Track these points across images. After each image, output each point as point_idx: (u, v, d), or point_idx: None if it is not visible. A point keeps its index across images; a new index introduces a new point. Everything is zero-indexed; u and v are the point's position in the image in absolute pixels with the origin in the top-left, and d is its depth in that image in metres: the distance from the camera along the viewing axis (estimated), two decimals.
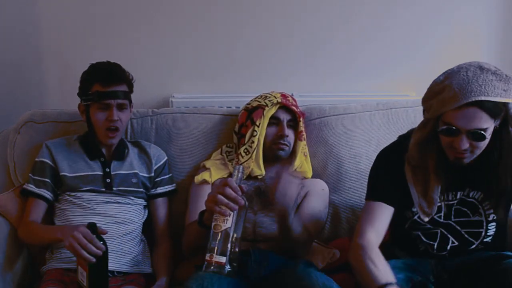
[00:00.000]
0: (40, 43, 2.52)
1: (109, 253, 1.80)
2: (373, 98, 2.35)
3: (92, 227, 1.62)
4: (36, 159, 1.94)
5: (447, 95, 1.43)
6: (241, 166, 1.55)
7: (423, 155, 1.57)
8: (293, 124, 1.99)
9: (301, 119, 1.98)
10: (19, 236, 1.89)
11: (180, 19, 2.48)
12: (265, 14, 2.49)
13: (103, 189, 1.90)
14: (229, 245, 1.47)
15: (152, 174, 2.00)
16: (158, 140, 2.11)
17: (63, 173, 1.90)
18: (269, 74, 2.53)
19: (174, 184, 2.05)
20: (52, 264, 1.83)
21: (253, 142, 1.95)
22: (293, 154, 2.00)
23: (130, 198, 1.93)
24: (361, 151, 2.07)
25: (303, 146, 2.01)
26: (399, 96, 2.43)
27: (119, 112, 1.88)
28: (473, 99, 1.40)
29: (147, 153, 2.01)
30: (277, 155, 1.96)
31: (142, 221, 1.98)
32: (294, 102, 2.02)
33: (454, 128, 1.45)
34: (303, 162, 2.02)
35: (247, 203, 1.53)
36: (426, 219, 1.60)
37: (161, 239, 1.97)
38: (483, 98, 1.40)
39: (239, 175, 1.53)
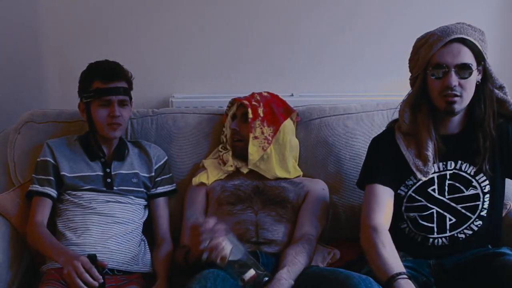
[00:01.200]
0: (40, 43, 2.52)
1: (109, 253, 1.82)
2: (373, 98, 2.36)
3: (92, 258, 1.61)
4: (39, 159, 1.94)
5: (432, 40, 1.61)
6: (193, 212, 1.68)
7: (413, 117, 1.68)
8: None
9: (249, 109, 1.96)
10: (27, 239, 1.89)
11: (180, 19, 2.49)
12: (266, 14, 2.49)
13: (104, 189, 1.90)
14: (245, 260, 1.54)
15: (153, 174, 2.00)
16: (158, 140, 2.11)
17: (62, 173, 1.90)
18: (269, 74, 2.53)
19: (174, 184, 2.06)
20: (52, 264, 1.81)
21: (223, 141, 2.05)
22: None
23: (130, 198, 1.93)
24: (362, 151, 2.07)
25: (260, 140, 1.96)
26: (399, 96, 2.41)
27: (120, 109, 1.88)
28: (456, 36, 1.59)
29: (147, 153, 2.01)
30: (236, 152, 2.00)
31: (142, 221, 1.98)
32: (256, 98, 2.01)
33: (443, 65, 1.58)
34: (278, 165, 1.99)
35: (226, 227, 1.59)
36: (424, 178, 1.65)
37: (162, 239, 1.97)
38: (464, 36, 1.59)
39: (196, 217, 1.66)
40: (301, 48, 2.52)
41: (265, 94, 2.07)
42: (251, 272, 1.52)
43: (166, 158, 2.05)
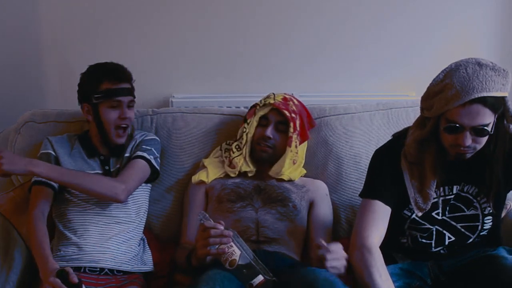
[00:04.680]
0: (40, 43, 2.52)
1: (108, 252, 1.82)
2: (373, 98, 2.36)
3: (61, 275, 1.59)
4: (41, 152, 1.91)
5: (449, 94, 1.45)
6: (202, 212, 1.61)
7: (421, 153, 1.59)
8: (284, 128, 1.95)
9: (291, 123, 1.93)
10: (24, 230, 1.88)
11: (180, 19, 2.49)
12: (266, 14, 2.49)
13: None
14: (254, 264, 1.53)
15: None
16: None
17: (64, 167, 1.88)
18: (269, 74, 2.54)
19: (151, 156, 1.94)
20: None
21: (242, 139, 1.97)
22: (280, 158, 1.95)
23: (131, 194, 1.91)
24: (361, 151, 2.08)
25: (293, 154, 1.95)
26: (399, 96, 2.44)
27: (128, 110, 1.88)
28: (476, 96, 1.42)
29: (134, 138, 1.98)
30: (259, 156, 1.96)
31: (144, 220, 1.98)
32: (293, 108, 1.97)
33: (458, 125, 1.46)
34: (290, 170, 1.97)
35: (235, 231, 1.58)
36: (420, 214, 1.61)
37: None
38: (485, 94, 1.42)
39: (207, 218, 1.59)
40: (301, 48, 2.52)
41: (296, 102, 2.02)
42: (260, 278, 1.51)
43: (152, 138, 2.00)
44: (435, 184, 1.59)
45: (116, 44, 2.50)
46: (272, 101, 1.96)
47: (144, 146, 1.95)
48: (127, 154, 1.94)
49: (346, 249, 1.86)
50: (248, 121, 1.98)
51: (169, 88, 2.55)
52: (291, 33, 2.51)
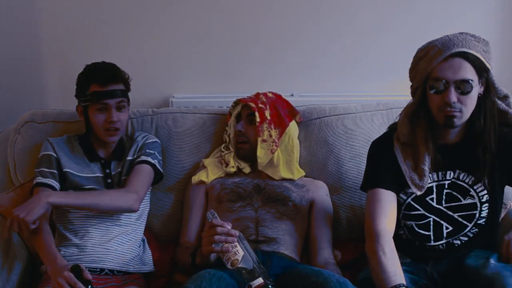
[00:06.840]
0: (40, 43, 2.52)
1: (109, 253, 1.82)
2: (373, 98, 2.36)
3: (75, 270, 1.59)
4: (42, 153, 1.90)
5: (432, 53, 1.56)
6: (211, 210, 1.62)
7: (412, 129, 1.64)
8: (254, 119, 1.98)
9: (256, 113, 1.95)
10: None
11: (180, 19, 2.49)
12: (265, 15, 2.49)
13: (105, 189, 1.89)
14: (255, 267, 1.53)
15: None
16: (158, 139, 2.10)
17: (66, 169, 1.88)
18: (269, 74, 2.54)
19: (155, 160, 1.95)
20: None
21: (225, 141, 2.04)
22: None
23: None
24: (362, 151, 2.07)
25: (268, 143, 1.95)
26: (399, 96, 2.42)
27: (118, 113, 1.85)
28: (457, 50, 1.53)
29: (136, 141, 1.98)
30: (241, 154, 1.99)
31: (144, 222, 1.98)
32: (262, 100, 1.99)
33: (443, 80, 1.53)
34: (280, 162, 1.98)
35: (241, 233, 1.59)
36: (419, 193, 1.63)
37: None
38: (465, 50, 1.53)
39: (215, 216, 1.60)
40: (301, 48, 2.52)
41: (270, 95, 2.06)
42: (259, 281, 1.51)
43: (154, 140, 2.00)
44: (429, 159, 1.62)
45: (116, 44, 2.50)
46: (239, 98, 2.03)
47: (148, 151, 1.94)
48: (129, 157, 1.94)
49: (345, 254, 1.88)
50: (228, 123, 2.04)
51: (169, 88, 2.55)
52: (291, 33, 2.51)
